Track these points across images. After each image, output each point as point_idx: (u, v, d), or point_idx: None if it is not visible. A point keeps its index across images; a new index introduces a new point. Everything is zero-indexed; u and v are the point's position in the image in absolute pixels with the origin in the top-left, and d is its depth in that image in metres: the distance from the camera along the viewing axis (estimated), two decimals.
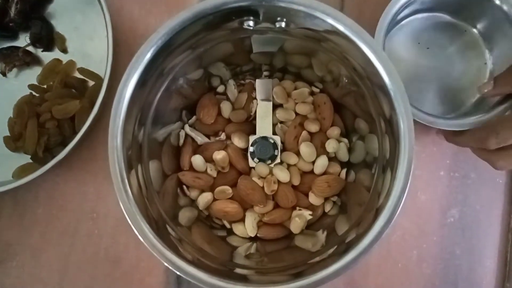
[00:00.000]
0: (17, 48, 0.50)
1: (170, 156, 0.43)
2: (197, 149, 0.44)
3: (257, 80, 0.45)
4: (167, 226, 0.36)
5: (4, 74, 0.50)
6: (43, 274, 0.48)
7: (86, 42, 0.50)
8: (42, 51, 0.50)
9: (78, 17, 0.51)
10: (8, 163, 0.48)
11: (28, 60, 0.49)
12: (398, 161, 0.31)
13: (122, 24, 0.50)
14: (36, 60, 0.50)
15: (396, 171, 0.31)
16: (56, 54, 0.51)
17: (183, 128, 0.45)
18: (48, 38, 0.50)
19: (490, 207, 0.48)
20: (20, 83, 0.50)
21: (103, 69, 0.45)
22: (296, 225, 0.41)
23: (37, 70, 0.50)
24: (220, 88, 0.46)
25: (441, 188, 0.48)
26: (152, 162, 0.38)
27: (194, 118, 0.45)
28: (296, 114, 0.45)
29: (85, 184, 0.48)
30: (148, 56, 0.33)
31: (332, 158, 0.44)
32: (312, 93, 0.46)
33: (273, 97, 0.45)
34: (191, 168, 0.44)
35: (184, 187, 0.43)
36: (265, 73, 0.46)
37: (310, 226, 0.43)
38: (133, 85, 0.32)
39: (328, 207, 0.43)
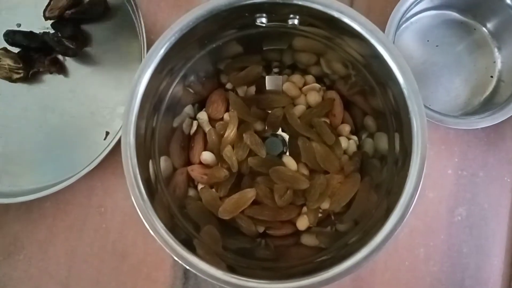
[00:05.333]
0: (48, 53, 0.49)
1: (180, 149, 0.43)
2: (208, 145, 0.44)
3: (266, 76, 0.45)
4: (178, 222, 0.36)
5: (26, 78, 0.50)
6: (50, 268, 0.48)
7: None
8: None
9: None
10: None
11: (53, 70, 0.49)
12: (411, 159, 0.31)
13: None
14: (62, 70, 0.50)
15: (408, 169, 0.31)
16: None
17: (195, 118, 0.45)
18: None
19: (498, 206, 0.48)
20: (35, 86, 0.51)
21: None
22: (304, 222, 0.41)
23: (60, 79, 0.50)
24: (229, 85, 0.46)
25: (449, 186, 0.48)
26: (163, 157, 0.39)
27: (203, 112, 0.45)
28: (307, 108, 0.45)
29: (92, 178, 0.48)
30: (161, 52, 0.32)
31: None
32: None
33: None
34: (201, 163, 0.44)
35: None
36: (275, 69, 0.46)
37: (319, 223, 0.43)
38: (146, 82, 0.32)
39: None
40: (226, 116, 0.44)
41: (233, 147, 0.42)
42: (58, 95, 0.50)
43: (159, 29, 0.50)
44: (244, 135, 0.41)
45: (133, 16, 0.49)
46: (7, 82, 0.50)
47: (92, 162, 0.45)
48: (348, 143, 0.43)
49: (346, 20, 0.32)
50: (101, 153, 0.45)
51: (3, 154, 0.50)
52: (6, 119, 0.50)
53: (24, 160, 0.49)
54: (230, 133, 0.41)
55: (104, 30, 0.51)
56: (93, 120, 0.49)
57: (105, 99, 0.50)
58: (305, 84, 0.46)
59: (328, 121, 0.44)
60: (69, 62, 0.51)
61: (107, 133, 0.49)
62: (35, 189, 0.46)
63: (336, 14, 0.33)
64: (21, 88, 0.50)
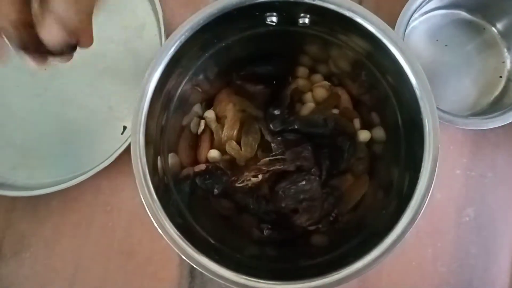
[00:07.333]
0: None
1: (188, 148, 0.43)
2: (214, 143, 0.44)
3: None
4: (186, 220, 0.36)
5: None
6: (57, 266, 0.48)
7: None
8: None
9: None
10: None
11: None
12: (422, 160, 0.31)
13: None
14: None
15: (420, 170, 0.31)
16: None
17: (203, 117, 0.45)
18: None
19: (506, 207, 0.48)
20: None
21: None
22: None
23: (79, 73, 0.50)
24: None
25: (457, 187, 0.48)
26: (171, 154, 0.38)
27: (211, 111, 0.45)
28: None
29: (99, 176, 0.48)
30: (172, 51, 0.32)
31: None
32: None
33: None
34: (207, 161, 0.44)
35: None
36: None
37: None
38: (155, 81, 0.32)
39: None
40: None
41: (240, 147, 0.42)
42: (77, 89, 0.50)
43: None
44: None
45: (153, 12, 0.49)
46: (26, 76, 0.50)
47: (110, 156, 0.45)
48: (369, 134, 0.43)
49: (358, 19, 0.32)
50: (119, 147, 0.45)
51: (21, 147, 0.50)
52: (24, 112, 0.50)
53: (42, 153, 0.49)
54: (231, 128, 0.42)
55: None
56: (111, 115, 0.49)
57: (124, 93, 0.50)
58: (312, 81, 0.46)
59: None
60: (89, 57, 0.50)
61: (125, 128, 0.49)
62: (51, 183, 0.46)
63: (348, 13, 0.32)
64: (40, 81, 0.50)
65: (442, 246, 0.47)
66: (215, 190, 0.40)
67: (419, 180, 0.31)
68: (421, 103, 0.31)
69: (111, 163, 0.46)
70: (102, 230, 0.48)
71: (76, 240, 0.48)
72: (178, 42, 0.32)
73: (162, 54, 0.32)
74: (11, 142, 0.50)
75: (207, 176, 0.40)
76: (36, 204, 0.48)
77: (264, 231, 0.40)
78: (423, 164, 0.31)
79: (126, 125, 0.49)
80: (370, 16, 0.32)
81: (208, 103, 0.45)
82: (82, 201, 0.48)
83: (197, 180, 0.40)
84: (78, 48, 0.26)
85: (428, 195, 0.31)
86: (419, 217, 0.31)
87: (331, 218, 0.41)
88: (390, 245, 0.31)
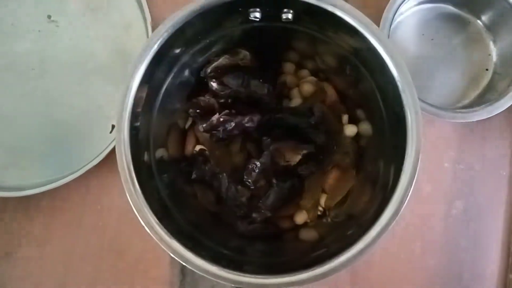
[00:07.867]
0: None
1: (176, 143, 0.43)
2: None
3: None
4: (173, 217, 0.36)
5: None
6: (48, 266, 0.48)
7: None
8: None
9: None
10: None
11: None
12: (405, 153, 0.31)
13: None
14: None
15: (403, 163, 0.31)
16: None
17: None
18: None
19: (494, 199, 0.48)
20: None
21: None
22: (303, 217, 0.42)
23: (69, 73, 0.50)
24: None
25: (445, 180, 0.48)
26: (158, 150, 0.39)
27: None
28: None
29: (88, 176, 0.48)
30: (155, 47, 0.32)
31: None
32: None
33: None
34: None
35: None
36: None
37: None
38: (140, 77, 0.32)
39: None
40: None
41: None
42: (65, 89, 0.50)
43: None
44: None
45: (140, 11, 0.50)
46: (15, 76, 0.50)
47: (99, 155, 0.45)
48: (356, 128, 0.43)
49: (340, 14, 0.32)
50: (108, 146, 0.45)
51: (11, 148, 0.49)
52: (14, 112, 0.50)
53: (32, 153, 0.49)
54: None
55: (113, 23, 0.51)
56: (100, 114, 0.49)
57: (112, 92, 0.50)
58: (299, 76, 0.46)
59: None
60: (77, 56, 0.51)
61: (113, 126, 0.49)
62: (41, 182, 0.46)
63: (330, 8, 0.32)
64: (29, 81, 0.50)
65: (431, 239, 0.47)
66: (193, 175, 0.41)
67: (402, 172, 0.31)
68: (403, 96, 0.32)
69: (100, 162, 0.46)
70: (92, 229, 0.48)
71: (67, 239, 0.48)
72: (161, 39, 0.32)
73: (145, 50, 0.32)
74: (1, 143, 0.49)
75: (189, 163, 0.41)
76: (27, 204, 0.48)
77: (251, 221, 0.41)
78: (406, 156, 0.31)
79: (114, 123, 0.49)
80: (352, 11, 0.32)
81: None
82: (72, 200, 0.48)
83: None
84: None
85: (411, 187, 0.31)
86: (402, 209, 0.31)
87: (319, 213, 0.42)
88: (374, 237, 0.31)
